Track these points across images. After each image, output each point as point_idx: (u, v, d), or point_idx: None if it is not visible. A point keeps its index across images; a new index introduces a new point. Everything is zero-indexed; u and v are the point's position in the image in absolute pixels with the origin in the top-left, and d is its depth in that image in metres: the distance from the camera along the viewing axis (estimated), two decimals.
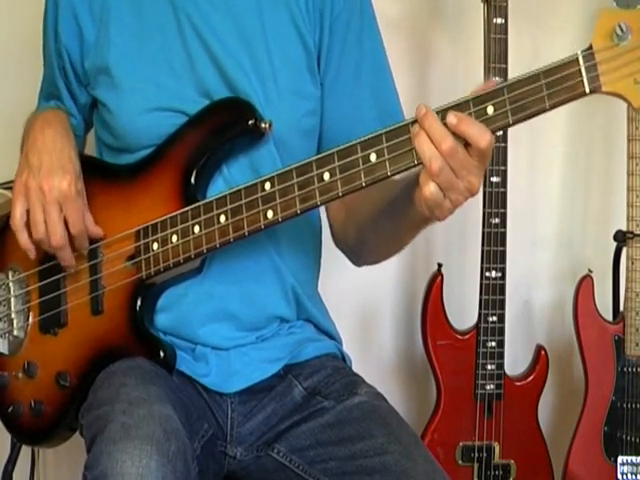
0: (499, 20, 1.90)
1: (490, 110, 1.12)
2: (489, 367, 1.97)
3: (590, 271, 2.02)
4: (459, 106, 1.13)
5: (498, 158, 1.92)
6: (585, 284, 2.02)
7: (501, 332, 1.97)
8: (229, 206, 1.28)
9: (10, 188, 1.64)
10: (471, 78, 2.07)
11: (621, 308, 2.05)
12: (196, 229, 1.30)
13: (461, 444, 1.99)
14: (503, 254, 1.96)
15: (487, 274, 1.95)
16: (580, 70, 1.09)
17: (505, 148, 1.94)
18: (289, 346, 1.42)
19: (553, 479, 2.03)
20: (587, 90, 1.09)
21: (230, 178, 1.36)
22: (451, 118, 1.11)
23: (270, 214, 1.25)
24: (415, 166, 1.15)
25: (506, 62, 1.90)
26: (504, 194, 1.94)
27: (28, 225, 1.35)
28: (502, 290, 1.96)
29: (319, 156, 1.22)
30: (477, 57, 1.96)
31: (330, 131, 1.43)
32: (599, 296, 2.02)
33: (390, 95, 1.46)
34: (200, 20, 1.38)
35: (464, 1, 2.08)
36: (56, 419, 1.42)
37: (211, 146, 1.35)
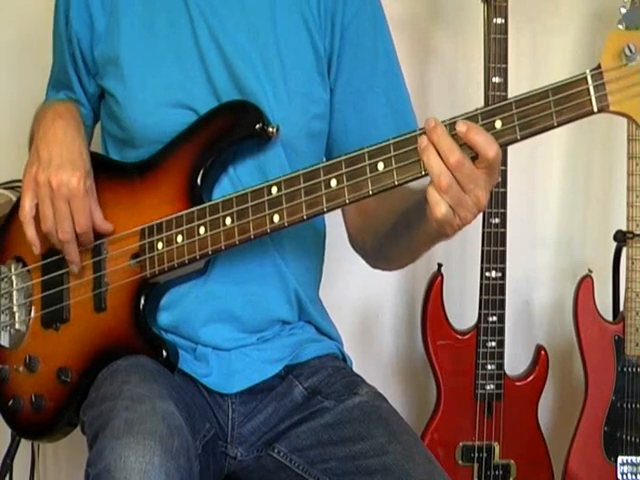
0: (499, 20, 1.90)
1: (498, 124, 1.12)
2: (489, 367, 1.97)
3: (590, 271, 2.02)
4: (467, 119, 1.13)
5: None
6: (585, 284, 2.01)
7: (501, 332, 1.97)
8: (235, 208, 1.27)
9: (10, 188, 1.64)
10: (471, 78, 2.07)
11: (621, 308, 2.04)
12: (202, 230, 1.30)
13: (461, 444, 1.99)
14: (503, 254, 1.95)
15: (487, 274, 1.95)
16: (588, 89, 1.09)
17: (505, 148, 1.93)
18: (290, 347, 1.42)
19: (553, 479, 2.03)
20: (595, 109, 1.09)
21: (237, 179, 1.36)
22: (460, 126, 1.12)
23: (276, 218, 1.25)
24: (422, 176, 1.15)
25: (506, 62, 1.90)
26: (504, 194, 1.94)
27: (36, 218, 1.35)
28: (502, 290, 1.96)
29: (327, 162, 1.22)
30: (477, 57, 1.96)
31: (344, 136, 1.43)
32: (599, 296, 2.02)
33: (403, 100, 1.46)
34: (212, 17, 1.37)
35: (464, 1, 2.08)
36: (56, 414, 1.42)
37: (218, 148, 1.35)
